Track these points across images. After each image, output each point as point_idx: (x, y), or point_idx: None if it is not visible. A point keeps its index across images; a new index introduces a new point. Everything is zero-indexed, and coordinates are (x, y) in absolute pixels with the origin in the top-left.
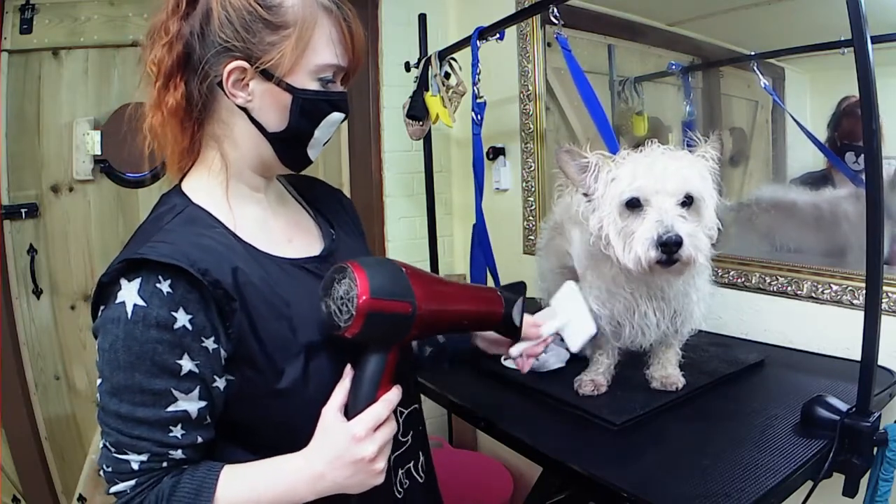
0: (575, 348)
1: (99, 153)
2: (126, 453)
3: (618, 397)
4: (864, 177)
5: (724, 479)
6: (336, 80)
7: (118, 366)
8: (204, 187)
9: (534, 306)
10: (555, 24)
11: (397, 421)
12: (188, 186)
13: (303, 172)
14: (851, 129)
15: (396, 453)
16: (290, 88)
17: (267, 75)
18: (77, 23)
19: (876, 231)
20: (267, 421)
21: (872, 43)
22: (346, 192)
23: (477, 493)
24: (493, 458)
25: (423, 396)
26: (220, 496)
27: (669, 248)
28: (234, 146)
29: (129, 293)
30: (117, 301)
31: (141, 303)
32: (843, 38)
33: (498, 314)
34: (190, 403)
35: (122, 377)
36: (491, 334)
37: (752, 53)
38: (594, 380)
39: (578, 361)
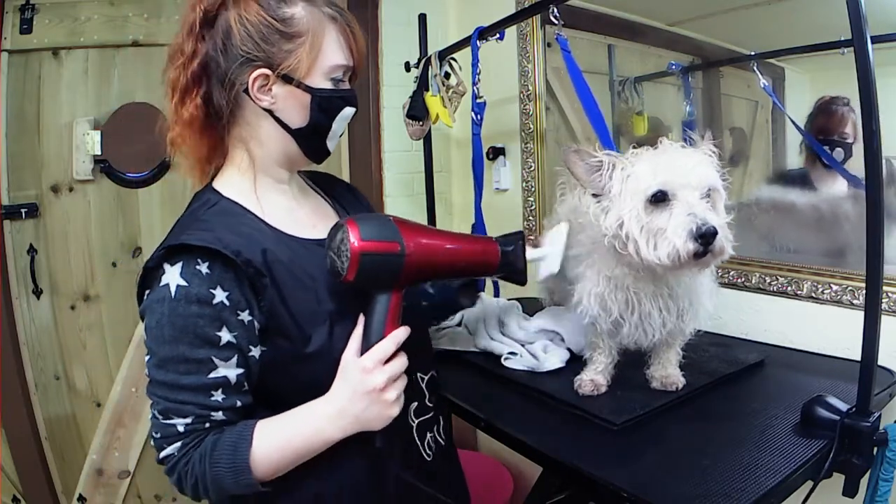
0: (540, 278)
1: (99, 153)
2: (172, 418)
3: (618, 397)
4: (863, 176)
5: (724, 479)
6: (345, 79)
7: (164, 340)
8: (234, 183)
9: (534, 306)
10: (555, 24)
11: (420, 387)
12: (219, 184)
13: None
14: (823, 125)
15: (424, 418)
16: (308, 89)
17: (288, 79)
18: (77, 23)
19: (876, 231)
20: (297, 384)
21: (872, 43)
22: None
23: (477, 493)
24: (493, 458)
25: None
26: (257, 445)
27: (707, 240)
28: (260, 145)
29: (172, 275)
30: (161, 283)
31: (183, 283)
32: (843, 38)
33: (494, 252)
34: (229, 370)
35: (167, 349)
36: None
37: (752, 53)
38: (594, 380)
39: (578, 361)
